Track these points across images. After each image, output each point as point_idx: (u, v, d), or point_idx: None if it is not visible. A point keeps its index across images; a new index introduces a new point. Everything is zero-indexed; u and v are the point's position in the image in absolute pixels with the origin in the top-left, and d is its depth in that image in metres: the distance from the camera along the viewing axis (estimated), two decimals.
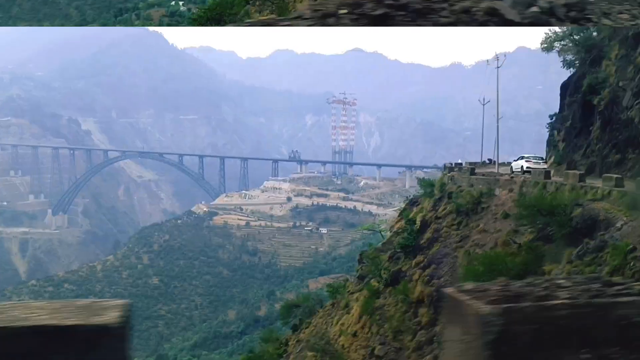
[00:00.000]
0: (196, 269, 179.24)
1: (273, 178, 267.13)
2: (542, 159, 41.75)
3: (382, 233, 58.56)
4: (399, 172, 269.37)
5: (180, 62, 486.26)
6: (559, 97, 44.97)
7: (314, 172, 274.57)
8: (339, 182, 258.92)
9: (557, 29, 44.22)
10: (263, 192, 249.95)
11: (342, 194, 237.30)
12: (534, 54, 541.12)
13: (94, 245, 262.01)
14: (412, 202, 53.08)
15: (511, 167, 43.26)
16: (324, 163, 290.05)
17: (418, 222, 37.71)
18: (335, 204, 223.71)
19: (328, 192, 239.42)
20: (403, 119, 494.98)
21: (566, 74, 45.26)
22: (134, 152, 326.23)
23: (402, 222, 47.13)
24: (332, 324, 41.41)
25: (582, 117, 37.16)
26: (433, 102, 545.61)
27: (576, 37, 41.52)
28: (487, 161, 60.59)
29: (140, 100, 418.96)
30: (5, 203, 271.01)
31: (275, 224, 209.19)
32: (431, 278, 31.99)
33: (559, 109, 46.19)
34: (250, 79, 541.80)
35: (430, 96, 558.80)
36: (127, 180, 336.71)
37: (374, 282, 37.22)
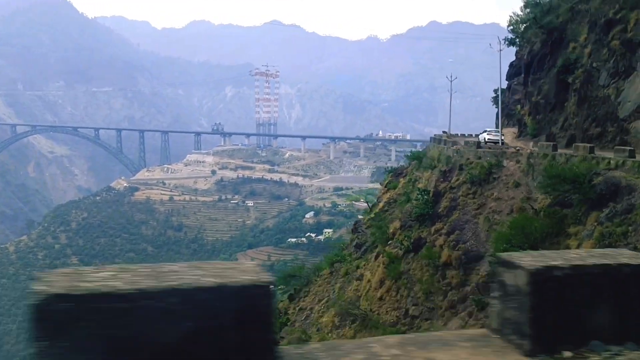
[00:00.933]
0: (118, 247, 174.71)
1: (196, 151, 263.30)
2: (498, 131, 46.74)
3: (369, 203, 62.87)
4: (323, 144, 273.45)
5: (92, 32, 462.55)
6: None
7: (238, 145, 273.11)
8: (263, 154, 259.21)
9: (519, 12, 50.19)
10: (186, 165, 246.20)
11: (267, 166, 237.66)
12: (444, 27, 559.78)
13: (3, 226, 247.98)
14: (397, 174, 56.42)
15: (478, 139, 47.86)
16: (248, 135, 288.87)
17: (431, 192, 40.20)
18: (260, 176, 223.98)
19: (253, 165, 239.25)
20: (323, 90, 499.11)
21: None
22: (45, 126, 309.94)
23: (391, 193, 50.22)
24: (334, 291, 43.15)
25: (557, 94, 41.30)
26: (351, 74, 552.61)
27: (538, 21, 45.71)
28: (443, 133, 65.19)
29: (49, 71, 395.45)
30: None
31: (200, 198, 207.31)
32: (457, 243, 34.32)
33: (523, 85, 50.95)
34: (165, 49, 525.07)
35: (348, 68, 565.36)
36: (37, 156, 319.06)
37: (388, 249, 38.97)
